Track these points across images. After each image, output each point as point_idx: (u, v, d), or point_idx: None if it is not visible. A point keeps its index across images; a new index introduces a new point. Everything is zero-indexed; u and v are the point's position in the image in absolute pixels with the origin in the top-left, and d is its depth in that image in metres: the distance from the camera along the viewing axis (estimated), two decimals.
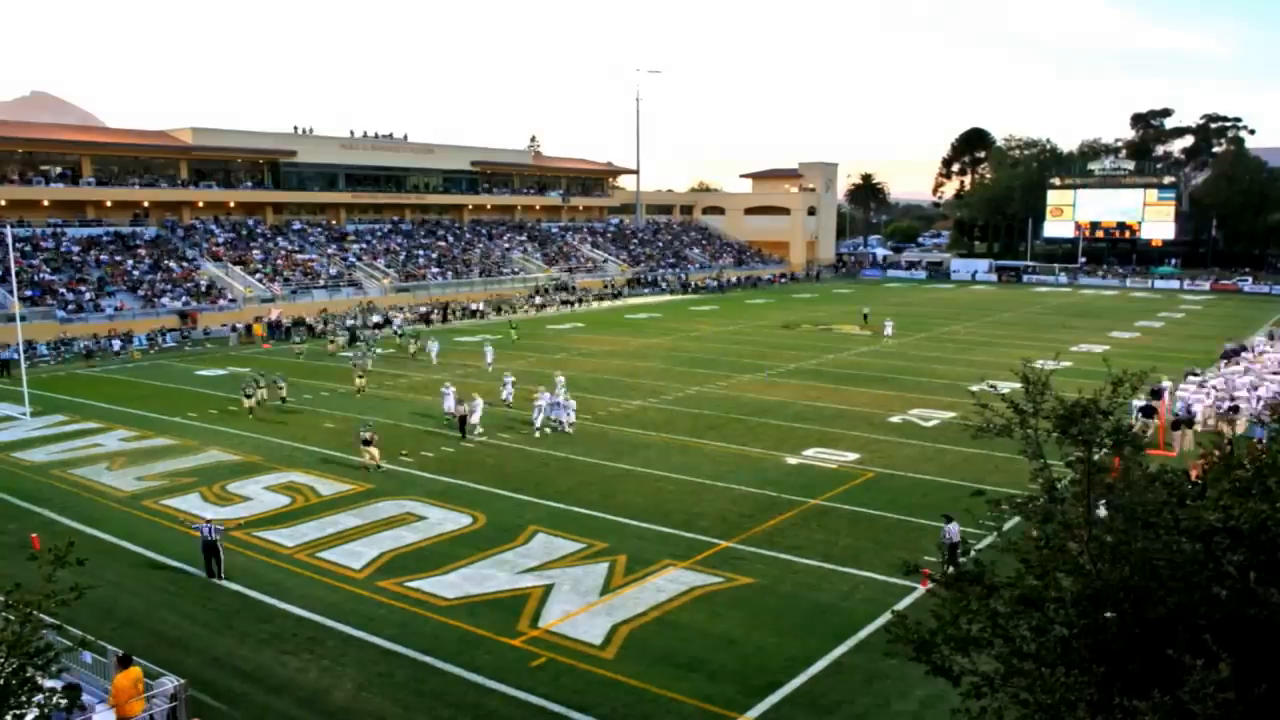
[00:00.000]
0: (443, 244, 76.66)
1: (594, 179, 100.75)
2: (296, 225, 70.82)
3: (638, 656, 14.40)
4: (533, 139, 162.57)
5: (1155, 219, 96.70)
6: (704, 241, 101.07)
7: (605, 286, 77.77)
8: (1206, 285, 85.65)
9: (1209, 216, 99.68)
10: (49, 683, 7.74)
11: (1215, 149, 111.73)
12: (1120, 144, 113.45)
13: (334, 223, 74.12)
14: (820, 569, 17.90)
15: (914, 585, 16.10)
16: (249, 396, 31.99)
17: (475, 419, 28.42)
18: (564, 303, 68.94)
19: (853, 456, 25.90)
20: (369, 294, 63.07)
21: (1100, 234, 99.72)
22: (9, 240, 37.34)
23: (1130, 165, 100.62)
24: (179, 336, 50.37)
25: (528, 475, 24.19)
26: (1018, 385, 8.32)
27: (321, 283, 62.27)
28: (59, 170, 60.76)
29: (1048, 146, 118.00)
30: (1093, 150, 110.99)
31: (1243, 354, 38.71)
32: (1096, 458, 7.54)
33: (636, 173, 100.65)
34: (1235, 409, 27.54)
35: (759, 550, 18.81)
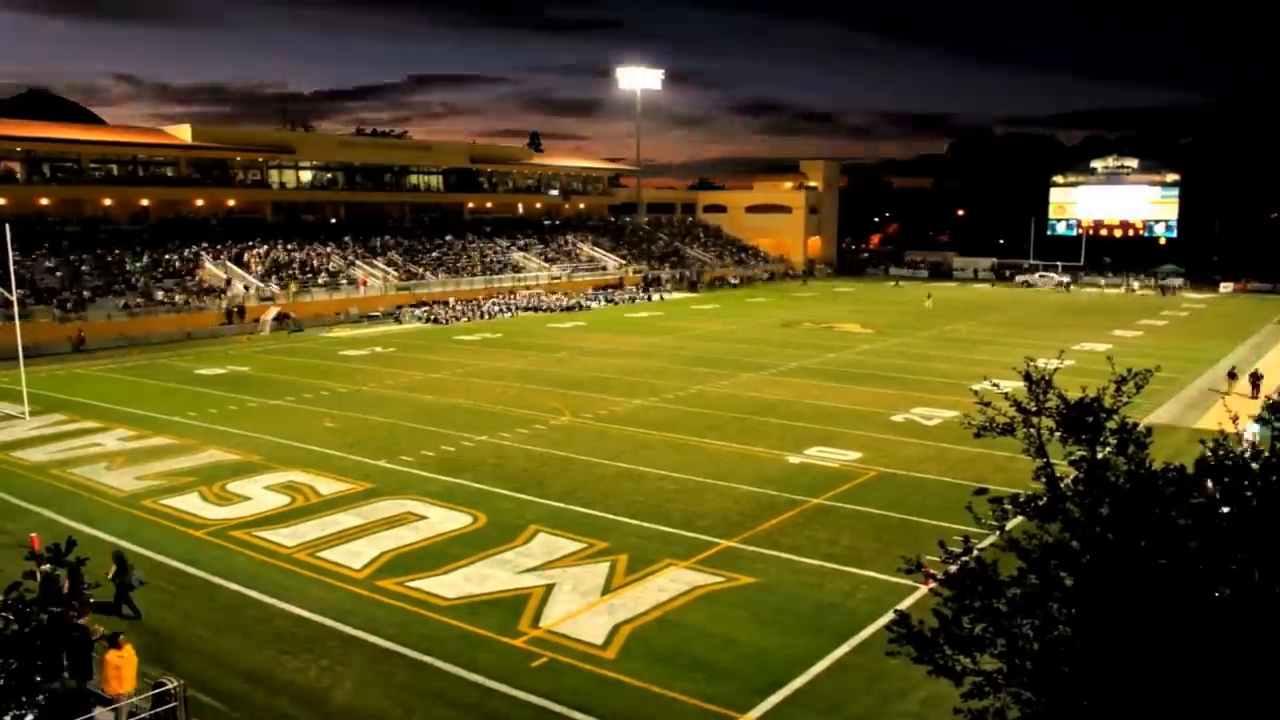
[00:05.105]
0: (442, 242, 76.61)
1: (594, 177, 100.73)
2: (296, 223, 70.74)
3: (639, 656, 14.35)
4: (533, 137, 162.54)
5: (1159, 216, 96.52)
6: (705, 240, 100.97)
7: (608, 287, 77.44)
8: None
9: (1213, 214, 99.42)
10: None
11: (1219, 147, 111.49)
12: (1124, 141, 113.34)
13: (334, 221, 74.04)
14: (822, 568, 17.86)
15: (916, 585, 16.04)
16: None
17: None
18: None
19: (855, 455, 25.84)
20: (369, 291, 63.04)
21: (1104, 232, 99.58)
22: (8, 239, 37.21)
23: (1134, 163, 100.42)
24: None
25: (528, 474, 24.14)
26: (1020, 384, 8.26)
27: (320, 281, 62.23)
28: (59, 169, 60.70)
29: (1051, 144, 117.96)
30: (1096, 147, 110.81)
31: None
32: (1100, 456, 7.49)
33: (636, 171, 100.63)
34: None
35: (760, 550, 18.76)
